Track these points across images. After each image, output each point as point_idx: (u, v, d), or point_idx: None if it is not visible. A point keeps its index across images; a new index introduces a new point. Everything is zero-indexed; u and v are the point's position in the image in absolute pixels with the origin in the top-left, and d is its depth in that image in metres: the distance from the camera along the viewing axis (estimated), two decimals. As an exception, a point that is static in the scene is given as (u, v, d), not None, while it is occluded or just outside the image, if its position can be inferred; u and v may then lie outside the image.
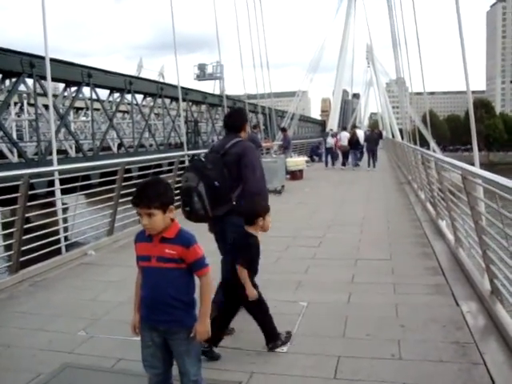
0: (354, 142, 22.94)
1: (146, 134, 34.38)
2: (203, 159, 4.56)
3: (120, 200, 8.55)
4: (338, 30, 54.29)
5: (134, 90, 29.59)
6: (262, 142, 17.24)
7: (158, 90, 32.48)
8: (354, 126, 28.57)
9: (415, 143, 18.03)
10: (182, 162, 11.65)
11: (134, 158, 9.93)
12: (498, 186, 4.06)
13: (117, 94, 29.89)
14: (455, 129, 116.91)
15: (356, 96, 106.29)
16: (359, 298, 5.24)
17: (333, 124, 49.09)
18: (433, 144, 22.81)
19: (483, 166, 6.68)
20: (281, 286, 5.67)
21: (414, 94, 25.88)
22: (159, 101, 34.38)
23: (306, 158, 21.58)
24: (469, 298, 5.08)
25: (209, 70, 54.85)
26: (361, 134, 24.18)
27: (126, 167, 8.97)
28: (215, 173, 4.25)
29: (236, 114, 5.05)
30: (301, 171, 17.97)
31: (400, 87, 27.62)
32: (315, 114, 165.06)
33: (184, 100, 37.02)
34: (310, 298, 5.21)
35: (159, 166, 11.84)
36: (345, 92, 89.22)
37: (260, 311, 4.00)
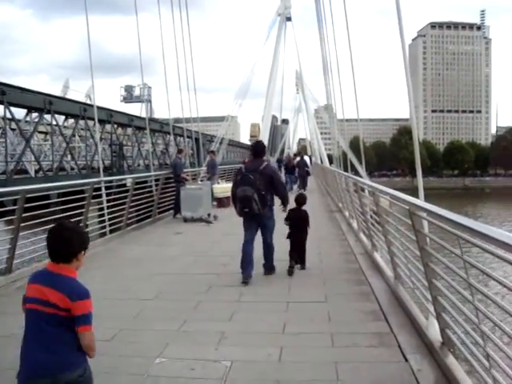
0: (289, 167, 26.04)
1: (69, 157, 32.64)
2: (251, 176, 6.97)
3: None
4: (268, 57, 54.53)
5: (55, 111, 27.86)
6: (184, 171, 16.18)
7: (81, 112, 30.91)
8: (299, 153, 30.86)
9: (345, 169, 17.68)
10: (98, 189, 10.65)
11: (34, 186, 8.79)
12: (459, 226, 3.37)
13: (35, 114, 28.12)
14: (381, 155, 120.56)
15: (285, 121, 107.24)
16: (292, 354, 4.44)
17: (262, 148, 48.65)
18: (361, 171, 22.97)
19: (409, 191, 6.32)
20: (200, 339, 4.81)
21: (342, 120, 26.15)
22: (83, 123, 32.82)
23: None
24: (417, 350, 4.40)
25: (136, 91, 53.51)
26: (307, 159, 26.74)
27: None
28: (262, 186, 6.95)
29: (261, 144, 7.87)
30: (228, 198, 17.07)
31: (330, 113, 27.63)
32: (244, 139, 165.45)
33: (109, 122, 35.67)
34: (235, 356, 4.38)
35: (81, 192, 10.79)
36: (274, 117, 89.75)
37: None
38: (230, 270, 7.60)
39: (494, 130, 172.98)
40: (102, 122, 34.87)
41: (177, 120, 31.62)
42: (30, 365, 2.57)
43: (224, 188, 16.54)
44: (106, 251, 9.68)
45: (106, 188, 12.72)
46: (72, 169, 32.65)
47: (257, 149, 7.55)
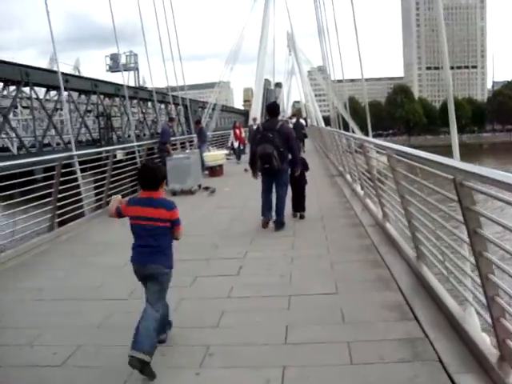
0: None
1: (53, 132, 31.20)
2: (270, 134, 7.41)
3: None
4: (258, 19, 52.51)
5: (33, 83, 26.31)
6: (172, 140, 14.98)
7: (63, 82, 29.29)
8: (294, 115, 29.26)
9: (345, 129, 16.47)
10: (67, 166, 9.42)
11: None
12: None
13: (12, 87, 26.57)
14: (376, 114, 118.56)
15: (278, 85, 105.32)
16: (299, 379, 3.30)
17: (256, 113, 47.10)
18: (357, 131, 21.95)
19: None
20: (179, 356, 3.70)
21: (339, 81, 25.57)
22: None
23: (225, 152, 19.64)
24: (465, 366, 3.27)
25: (122, 60, 51.36)
26: (303, 122, 25.84)
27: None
28: (280, 143, 7.42)
29: (276, 105, 8.50)
30: (221, 166, 15.99)
31: (325, 75, 26.48)
32: (238, 104, 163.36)
33: (94, 93, 34.16)
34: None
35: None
36: (267, 81, 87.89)
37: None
38: (220, 255, 6.46)
39: (490, 85, 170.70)
40: (87, 92, 33.46)
41: (167, 88, 30.31)
42: (136, 256, 3.68)
43: (215, 156, 15.35)
44: (80, 235, 8.54)
45: (93, 161, 11.54)
46: (58, 144, 31.26)
47: (272, 109, 8.06)
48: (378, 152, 7.60)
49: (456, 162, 3.86)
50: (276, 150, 7.41)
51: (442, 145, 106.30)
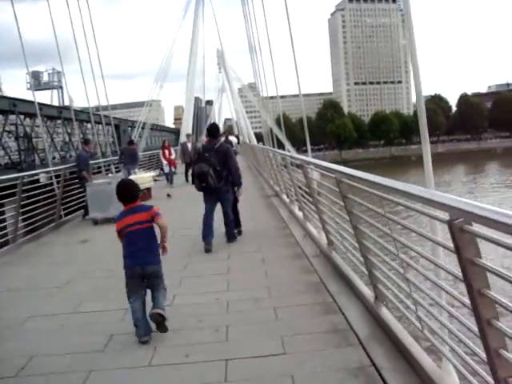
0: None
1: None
2: (206, 154, 7.79)
3: None
4: (187, 37, 51.70)
5: None
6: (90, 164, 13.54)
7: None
8: (223, 133, 27.28)
9: (279, 147, 15.75)
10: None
11: None
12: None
13: None
14: (308, 130, 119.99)
15: (209, 103, 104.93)
16: None
17: (187, 131, 46.07)
18: (288, 146, 21.41)
19: (336, 164, 4.91)
20: None
21: (268, 98, 25.48)
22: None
23: (154, 173, 18.12)
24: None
25: (45, 78, 48.79)
26: (233, 139, 22.73)
27: None
28: (216, 162, 7.74)
29: (215, 126, 8.72)
30: (148, 190, 14.70)
31: (257, 92, 26.01)
32: (170, 122, 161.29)
33: (13, 113, 32.07)
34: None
35: None
36: (198, 99, 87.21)
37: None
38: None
39: (414, 99, 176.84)
40: (4, 112, 31.47)
41: (97, 109, 29.00)
42: (132, 260, 4.45)
43: (142, 178, 14.06)
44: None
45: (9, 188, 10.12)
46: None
47: (211, 130, 8.34)
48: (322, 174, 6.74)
49: (430, 191, 3.06)
50: (212, 169, 7.68)
51: (372, 158, 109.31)
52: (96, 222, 11.22)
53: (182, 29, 46.23)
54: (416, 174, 74.90)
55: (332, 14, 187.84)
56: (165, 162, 20.22)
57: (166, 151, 20.44)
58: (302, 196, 8.79)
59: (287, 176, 10.59)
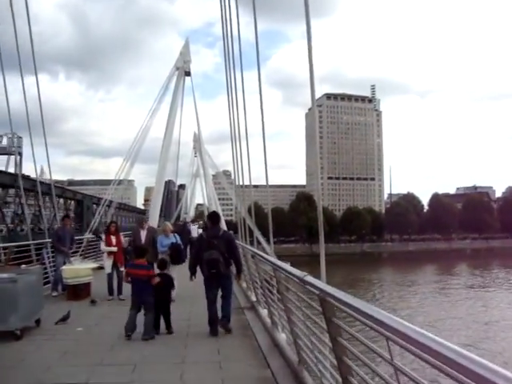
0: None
1: None
2: (215, 241, 7.83)
3: None
4: (163, 120, 50.53)
5: None
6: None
7: None
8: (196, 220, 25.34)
9: (251, 243, 13.37)
10: None
11: None
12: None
13: None
14: (280, 221, 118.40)
15: (182, 187, 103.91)
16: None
17: (154, 213, 43.48)
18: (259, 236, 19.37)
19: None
20: None
21: (243, 186, 24.18)
22: None
23: (94, 265, 13.34)
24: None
25: (4, 142, 46.05)
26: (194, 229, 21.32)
27: None
28: (225, 249, 7.88)
29: (216, 214, 9.09)
30: (86, 285, 11.41)
31: (235, 181, 24.45)
32: (141, 203, 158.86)
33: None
34: None
35: None
36: (171, 182, 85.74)
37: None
38: None
39: (385, 197, 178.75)
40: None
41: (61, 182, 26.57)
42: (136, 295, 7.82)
43: (77, 271, 11.16)
44: None
45: None
46: None
47: (214, 218, 8.58)
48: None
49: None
50: (221, 256, 7.76)
51: (342, 253, 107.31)
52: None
53: (157, 114, 44.67)
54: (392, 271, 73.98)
55: (310, 109, 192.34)
56: (106, 256, 12.08)
57: (113, 238, 12.11)
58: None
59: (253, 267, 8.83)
